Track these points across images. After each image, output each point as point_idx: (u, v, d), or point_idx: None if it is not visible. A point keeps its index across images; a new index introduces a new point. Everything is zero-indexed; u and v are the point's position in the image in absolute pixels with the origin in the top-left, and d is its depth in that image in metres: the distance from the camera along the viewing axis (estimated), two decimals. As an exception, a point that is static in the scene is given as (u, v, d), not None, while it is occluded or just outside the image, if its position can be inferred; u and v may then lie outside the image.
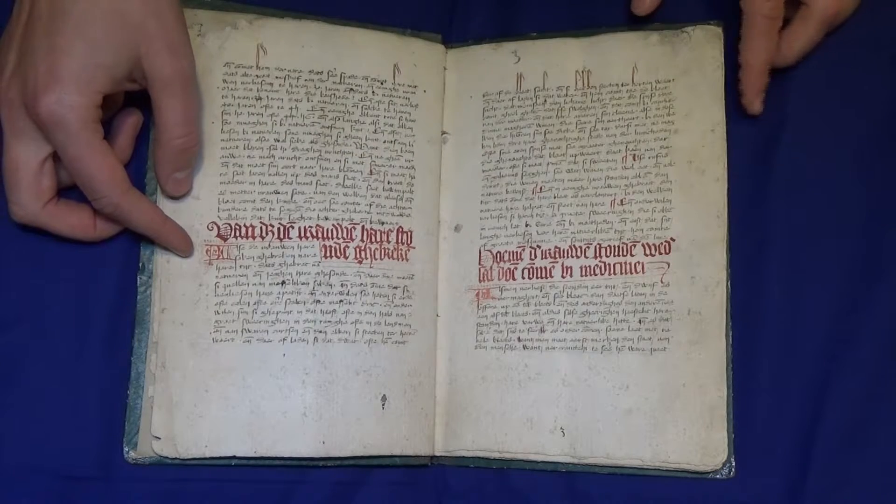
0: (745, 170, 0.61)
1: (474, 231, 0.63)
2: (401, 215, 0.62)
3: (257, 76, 0.61)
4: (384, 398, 0.60)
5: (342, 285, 0.60)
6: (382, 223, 0.61)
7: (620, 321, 0.60)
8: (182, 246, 0.58)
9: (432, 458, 0.61)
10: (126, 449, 0.57)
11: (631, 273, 0.60)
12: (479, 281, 0.63)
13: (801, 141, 0.61)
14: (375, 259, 0.61)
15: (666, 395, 0.58)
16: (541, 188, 0.62)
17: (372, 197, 0.61)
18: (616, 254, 0.61)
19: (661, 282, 0.60)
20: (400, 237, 0.62)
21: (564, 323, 0.60)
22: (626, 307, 0.60)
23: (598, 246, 0.61)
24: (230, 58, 0.61)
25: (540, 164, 0.63)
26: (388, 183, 0.62)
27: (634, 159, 0.61)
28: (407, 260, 0.62)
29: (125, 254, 0.59)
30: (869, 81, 0.61)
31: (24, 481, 0.56)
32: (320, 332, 0.59)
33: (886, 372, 0.57)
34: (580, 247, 0.61)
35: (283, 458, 0.58)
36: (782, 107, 0.61)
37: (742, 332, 0.59)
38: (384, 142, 0.62)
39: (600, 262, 0.61)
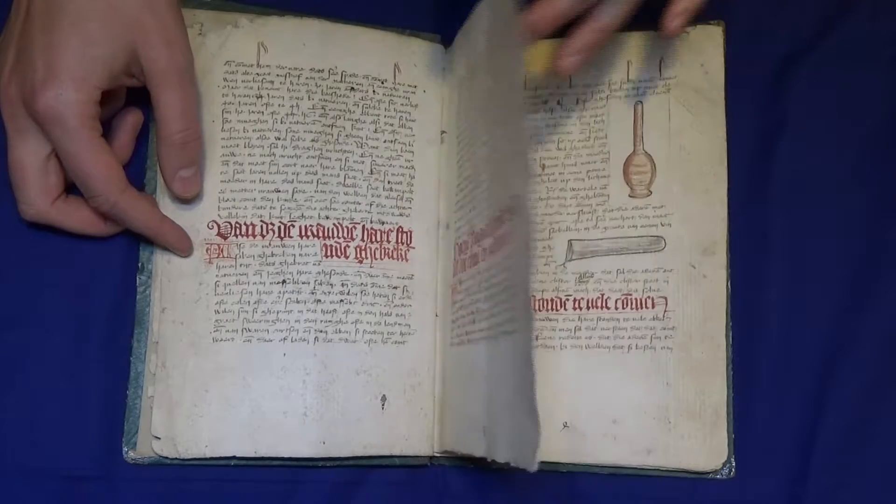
0: (745, 170, 0.61)
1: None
2: (401, 215, 0.62)
3: (258, 74, 0.61)
4: (384, 398, 0.60)
5: (342, 285, 0.59)
6: (383, 223, 0.61)
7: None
8: (181, 246, 0.58)
9: (432, 458, 0.61)
10: (125, 449, 0.57)
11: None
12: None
13: (801, 141, 0.61)
14: (376, 259, 0.61)
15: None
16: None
17: (372, 196, 0.61)
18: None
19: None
20: (400, 237, 0.62)
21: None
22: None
23: (597, 246, 0.61)
24: (231, 56, 0.61)
25: (540, 164, 0.63)
26: (389, 182, 0.62)
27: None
28: (406, 260, 0.62)
29: (125, 254, 0.59)
30: (869, 81, 0.61)
31: (24, 481, 0.56)
32: (321, 331, 0.59)
33: (886, 372, 0.58)
34: (580, 247, 0.61)
35: (283, 459, 0.58)
36: (782, 107, 0.62)
37: (742, 332, 0.59)
38: (384, 141, 0.62)
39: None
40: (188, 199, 0.59)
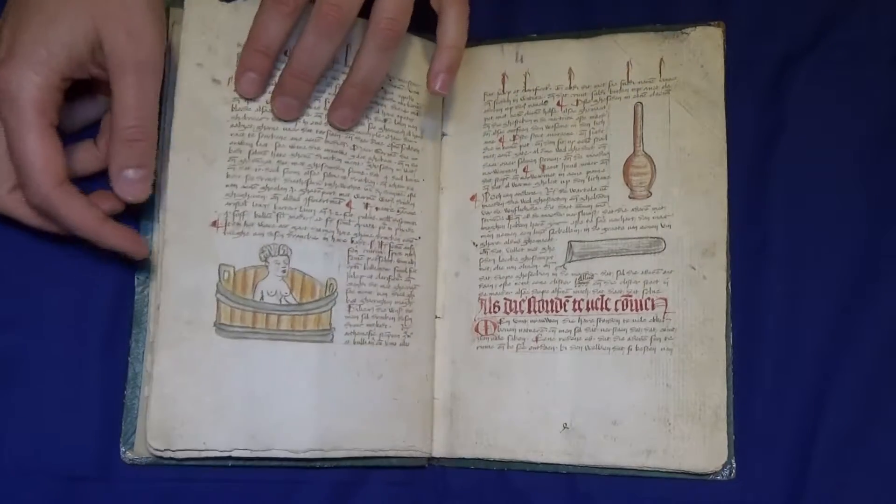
0: (745, 170, 0.61)
1: (474, 231, 0.63)
2: (402, 215, 0.62)
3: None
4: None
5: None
6: (383, 223, 0.61)
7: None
8: (130, 247, 0.55)
9: (431, 458, 0.61)
10: (123, 449, 0.57)
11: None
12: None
13: (801, 141, 0.61)
14: (377, 261, 0.61)
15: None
16: (540, 189, 0.63)
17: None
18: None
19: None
20: (400, 238, 0.62)
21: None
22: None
23: (598, 246, 0.61)
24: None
25: (540, 165, 0.63)
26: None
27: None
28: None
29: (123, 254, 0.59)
30: (869, 81, 0.61)
31: (23, 481, 0.56)
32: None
33: (886, 372, 0.57)
34: (580, 247, 0.61)
35: (282, 459, 0.57)
36: (782, 107, 0.62)
37: (742, 332, 0.59)
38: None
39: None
40: (132, 202, 0.55)
